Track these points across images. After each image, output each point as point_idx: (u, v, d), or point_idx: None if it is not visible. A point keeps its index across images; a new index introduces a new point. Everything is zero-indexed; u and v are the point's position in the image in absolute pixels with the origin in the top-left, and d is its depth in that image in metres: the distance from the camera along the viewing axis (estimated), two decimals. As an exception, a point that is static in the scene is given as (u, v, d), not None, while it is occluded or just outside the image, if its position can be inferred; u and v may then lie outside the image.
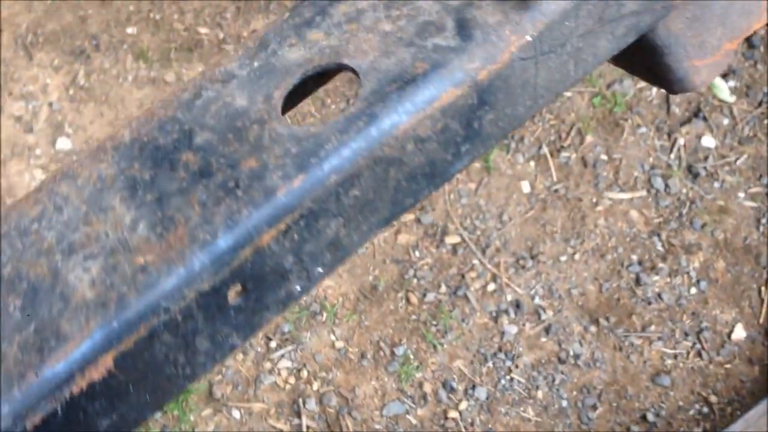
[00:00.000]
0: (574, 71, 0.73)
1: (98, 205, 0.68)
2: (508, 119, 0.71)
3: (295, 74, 0.70)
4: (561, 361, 2.14)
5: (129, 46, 2.44)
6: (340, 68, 0.71)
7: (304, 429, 2.05)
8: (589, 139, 2.40)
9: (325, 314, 2.18)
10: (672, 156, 2.37)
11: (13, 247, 0.65)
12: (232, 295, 0.63)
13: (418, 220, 2.30)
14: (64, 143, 2.32)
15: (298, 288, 0.67)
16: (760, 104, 2.42)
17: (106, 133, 2.34)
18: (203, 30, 2.48)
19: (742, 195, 2.33)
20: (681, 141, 2.39)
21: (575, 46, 0.71)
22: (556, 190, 2.34)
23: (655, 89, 2.43)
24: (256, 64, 0.72)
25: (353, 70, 0.69)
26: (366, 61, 0.69)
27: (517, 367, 2.13)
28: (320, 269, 0.68)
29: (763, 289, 2.23)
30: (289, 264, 0.65)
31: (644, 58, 0.81)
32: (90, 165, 0.70)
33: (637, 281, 2.23)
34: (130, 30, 2.47)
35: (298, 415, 2.06)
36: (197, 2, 2.53)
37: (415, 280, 2.22)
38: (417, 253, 2.26)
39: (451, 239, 2.27)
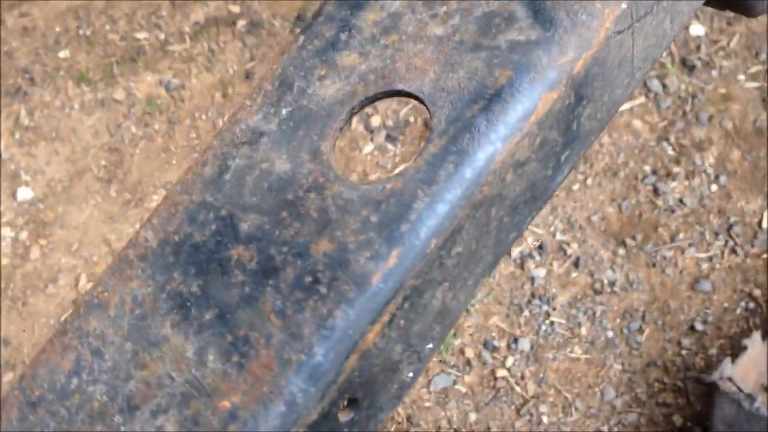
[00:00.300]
0: (671, 28, 0.63)
1: (146, 339, 0.57)
2: (607, 108, 0.61)
3: (339, 115, 0.59)
4: (597, 292, 2.15)
5: (66, 71, 2.35)
6: (396, 95, 0.60)
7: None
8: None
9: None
10: (663, 53, 2.35)
11: (56, 416, 0.56)
12: (343, 411, 0.55)
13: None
14: (25, 193, 2.24)
15: (411, 375, 0.57)
16: (739, -23, 2.40)
17: (66, 172, 2.27)
18: (141, 35, 2.39)
19: (742, 77, 2.32)
20: (667, 35, 2.37)
21: (669, 1, 0.61)
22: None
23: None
24: (284, 111, 0.61)
25: (414, 97, 0.58)
26: (427, 82, 0.57)
27: (554, 309, 2.14)
28: (430, 345, 0.58)
29: (782, 168, 2.24)
30: (398, 354, 0.56)
31: None
32: (117, 286, 0.59)
33: (656, 192, 2.23)
34: (62, 54, 2.37)
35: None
36: (125, 6, 2.43)
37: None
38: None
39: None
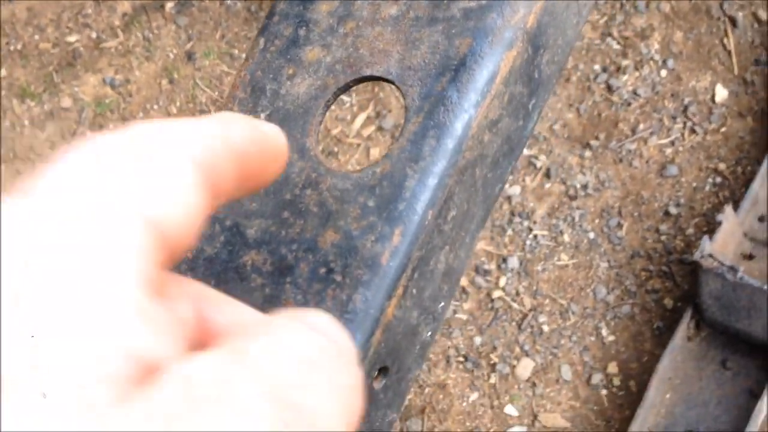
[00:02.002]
0: None
1: None
2: (562, 50, 0.64)
3: (316, 110, 0.61)
4: (572, 198, 2.22)
5: (7, 90, 2.32)
6: (365, 80, 0.61)
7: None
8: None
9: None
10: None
11: None
12: (375, 380, 0.58)
13: (380, 128, 2.30)
14: (-2, 219, 2.24)
15: (429, 334, 0.64)
16: None
17: (34, 189, 2.27)
18: (72, 38, 2.35)
19: (670, -42, 2.34)
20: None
21: None
22: (495, 37, 2.34)
23: None
24: (263, 116, 0.63)
25: (384, 79, 0.59)
26: (393, 63, 0.59)
27: (535, 223, 2.21)
28: (442, 304, 0.64)
29: (725, 40, 2.29)
30: (415, 319, 0.60)
31: None
32: None
33: (609, 88, 2.28)
34: (-1, 73, 2.33)
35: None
36: (50, 12, 2.38)
37: (404, 188, 2.25)
38: (393, 161, 2.27)
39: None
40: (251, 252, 0.58)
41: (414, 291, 0.58)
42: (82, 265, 0.25)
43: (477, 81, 0.57)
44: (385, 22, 0.60)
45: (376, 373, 0.59)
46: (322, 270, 0.56)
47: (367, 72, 0.59)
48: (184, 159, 0.29)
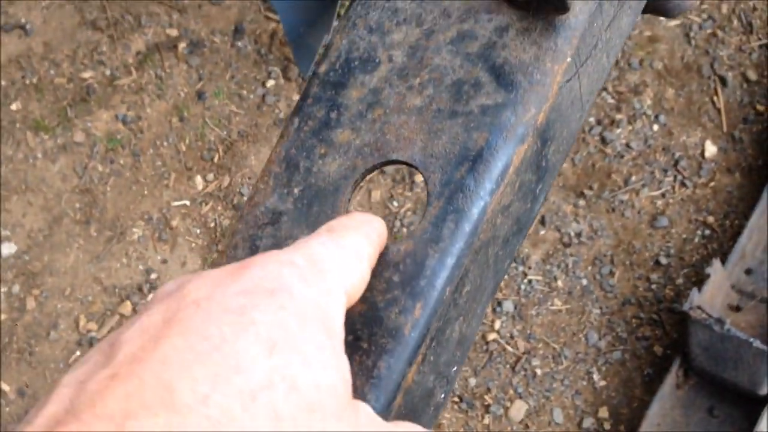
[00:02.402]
0: (608, 61, 0.72)
1: None
2: (567, 141, 0.71)
3: (346, 188, 0.67)
4: (566, 245, 2.30)
5: (21, 122, 2.38)
6: (392, 164, 0.68)
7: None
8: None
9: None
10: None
11: None
12: None
13: (382, 172, 2.37)
14: (8, 248, 2.29)
15: (443, 396, 0.70)
16: None
17: (43, 221, 2.32)
18: (87, 74, 2.42)
19: (663, 18, 2.44)
20: (591, -10, 2.48)
21: (605, 39, 0.70)
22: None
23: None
24: (296, 191, 0.68)
25: (408, 164, 0.65)
26: (417, 150, 0.65)
27: (530, 268, 2.28)
28: (455, 368, 0.70)
29: (715, 98, 2.39)
30: (431, 383, 0.66)
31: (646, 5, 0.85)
32: None
33: (603, 141, 2.37)
34: (14, 106, 2.39)
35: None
36: (66, 48, 2.45)
37: (404, 230, 2.32)
38: (395, 203, 2.34)
39: (420, 176, 2.36)
40: None
41: (431, 358, 0.64)
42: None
43: (492, 171, 0.63)
44: (410, 112, 0.66)
45: None
46: (350, 337, 0.61)
47: (393, 156, 0.65)
48: (371, 247, 0.54)
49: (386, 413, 0.63)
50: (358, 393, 0.63)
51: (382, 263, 0.63)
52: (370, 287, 0.63)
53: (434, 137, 0.65)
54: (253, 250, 0.68)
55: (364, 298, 0.62)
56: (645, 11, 0.88)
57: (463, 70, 0.66)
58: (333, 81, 0.71)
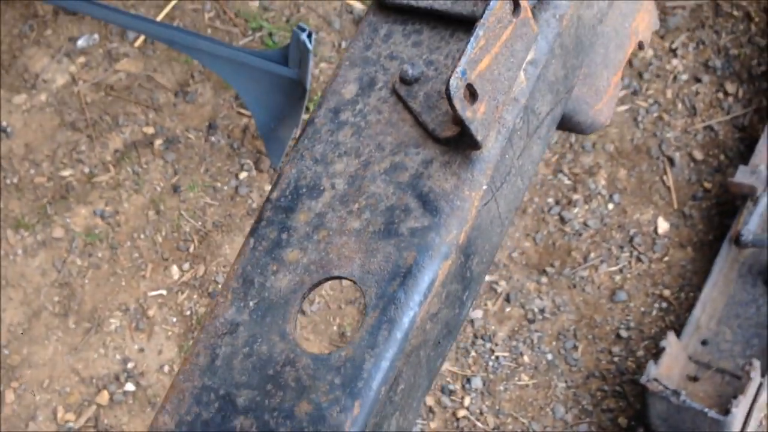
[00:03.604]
0: (523, 184, 0.83)
1: None
2: (489, 253, 0.81)
3: (295, 301, 0.76)
4: (531, 321, 2.40)
5: (2, 221, 2.47)
6: (334, 279, 0.77)
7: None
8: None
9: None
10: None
11: None
12: None
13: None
14: (-12, 344, 2.35)
15: None
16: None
17: (23, 314, 2.38)
18: (66, 173, 2.53)
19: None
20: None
21: (518, 166, 0.80)
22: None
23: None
24: (252, 304, 0.77)
25: (349, 279, 0.75)
26: (356, 267, 0.75)
27: (497, 345, 2.37)
28: None
29: (664, 177, 2.54)
30: None
31: (560, 124, 0.97)
32: None
33: (562, 220, 2.49)
34: (-5, 205, 2.49)
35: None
36: (46, 149, 2.56)
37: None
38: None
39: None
40: (240, 417, 0.73)
41: None
42: None
43: (420, 285, 0.74)
44: (350, 233, 0.77)
45: None
46: None
47: (336, 273, 0.76)
48: None
49: None
50: None
51: (325, 368, 0.73)
52: (315, 390, 0.72)
53: (370, 256, 0.76)
54: (213, 357, 0.78)
55: (309, 399, 0.72)
56: (562, 129, 1.00)
57: (395, 197, 0.77)
58: (284, 206, 0.82)
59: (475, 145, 0.74)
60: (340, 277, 0.76)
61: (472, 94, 0.70)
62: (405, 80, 0.78)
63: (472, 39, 0.68)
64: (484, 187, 0.77)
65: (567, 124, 0.95)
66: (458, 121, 0.72)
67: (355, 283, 0.74)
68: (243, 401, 0.74)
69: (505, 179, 0.80)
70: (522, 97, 0.77)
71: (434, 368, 0.79)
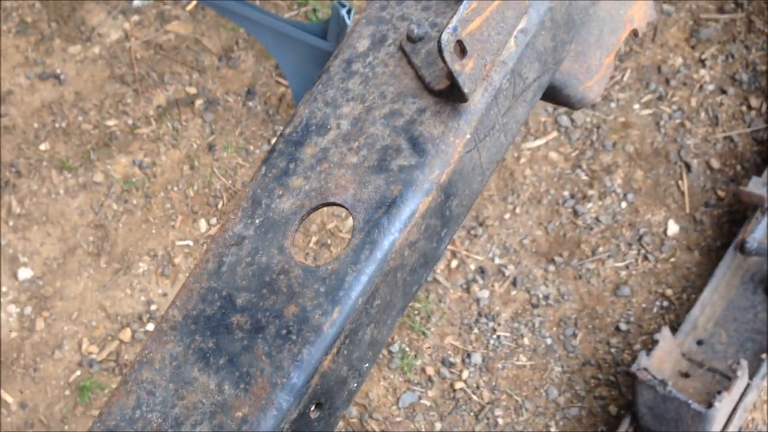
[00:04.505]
0: (506, 140, 0.93)
1: (183, 380, 0.84)
2: (468, 197, 0.91)
3: (294, 221, 0.87)
4: (534, 306, 2.49)
5: (48, 161, 2.63)
6: (329, 205, 0.88)
7: (339, 446, 2.35)
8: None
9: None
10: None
11: None
12: (312, 411, 0.84)
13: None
14: (25, 273, 2.51)
15: (355, 385, 0.90)
16: (627, 21, 2.77)
17: (59, 250, 2.54)
18: (111, 122, 2.68)
19: (637, 107, 2.69)
20: (571, 77, 2.73)
21: (501, 123, 0.90)
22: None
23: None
24: (258, 221, 0.88)
25: (342, 205, 0.86)
26: (349, 196, 0.86)
27: (499, 324, 2.47)
28: (367, 365, 0.90)
29: (680, 182, 2.61)
30: (345, 372, 0.85)
31: (550, 95, 1.07)
32: (158, 348, 0.87)
33: (575, 213, 2.58)
34: (43, 147, 2.64)
35: (329, 436, 2.37)
36: (95, 98, 2.71)
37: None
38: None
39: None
40: (237, 315, 0.85)
41: (345, 352, 0.85)
42: None
43: (402, 214, 0.84)
44: (348, 167, 0.88)
45: (313, 406, 0.85)
46: (284, 331, 0.83)
47: (332, 200, 0.87)
48: None
49: (305, 389, 0.84)
50: (285, 372, 0.83)
51: (313, 278, 0.84)
52: (302, 296, 0.84)
53: (363, 187, 0.87)
54: (220, 264, 0.90)
55: (297, 303, 0.83)
56: (551, 101, 1.10)
57: (390, 138, 0.89)
58: (294, 140, 0.94)
59: (462, 97, 0.84)
60: (335, 204, 0.87)
61: (462, 50, 0.80)
62: (411, 38, 0.89)
63: (465, 0, 0.78)
64: (468, 136, 0.87)
65: (557, 97, 1.05)
66: (449, 75, 0.82)
67: (347, 209, 0.85)
68: (241, 302, 0.85)
69: (488, 133, 0.90)
70: (510, 60, 0.87)
71: (409, 292, 0.90)
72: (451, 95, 0.87)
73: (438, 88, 0.87)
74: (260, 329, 0.84)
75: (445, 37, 0.78)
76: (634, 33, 1.10)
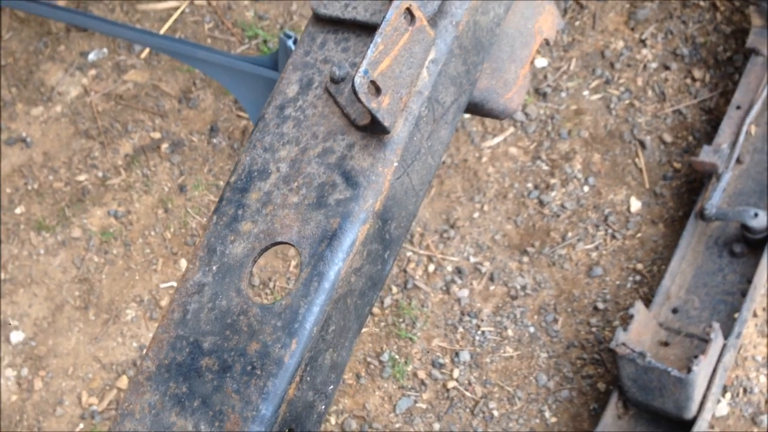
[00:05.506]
0: (434, 161, 1.00)
1: (163, 426, 0.91)
2: (406, 219, 0.98)
3: (248, 264, 0.95)
4: (513, 298, 2.56)
5: (25, 224, 2.68)
6: (278, 245, 0.96)
7: (343, 460, 2.41)
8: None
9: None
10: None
11: None
12: None
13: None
14: (17, 336, 2.56)
15: (323, 407, 0.97)
16: (565, 12, 2.86)
17: (47, 309, 2.59)
18: (82, 177, 2.74)
19: (586, 93, 2.77)
20: (519, 73, 2.81)
21: (427, 146, 0.97)
22: (443, 162, 2.73)
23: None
24: (215, 268, 0.96)
25: (290, 244, 0.95)
26: (294, 233, 0.94)
27: (482, 320, 2.54)
28: (332, 386, 0.98)
29: (636, 160, 2.70)
30: (311, 396, 0.92)
31: (474, 110, 1.14)
32: (137, 400, 0.94)
33: (541, 203, 2.66)
34: (18, 210, 2.70)
35: (333, 451, 2.43)
36: (63, 156, 2.77)
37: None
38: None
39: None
40: (205, 358, 0.93)
41: (308, 378, 0.92)
42: None
43: (343, 245, 0.92)
44: (290, 207, 0.95)
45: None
46: (249, 367, 0.90)
47: (279, 239, 0.95)
48: None
49: (274, 418, 0.91)
50: (254, 406, 0.90)
51: (270, 314, 0.91)
52: (262, 332, 0.91)
53: (305, 224, 0.95)
54: (185, 313, 0.98)
55: (258, 340, 0.91)
56: (479, 114, 1.17)
57: (325, 175, 0.97)
58: (240, 187, 1.01)
59: (384, 130, 0.92)
60: (282, 243, 0.96)
61: (377, 89, 0.88)
62: (334, 80, 0.96)
63: (372, 45, 0.86)
64: (395, 164, 0.95)
65: (481, 111, 1.13)
66: (369, 112, 0.90)
67: (294, 246, 0.94)
68: (208, 345, 0.92)
69: (415, 157, 0.98)
70: (425, 89, 0.95)
71: (362, 314, 0.98)
72: (375, 129, 0.94)
73: (362, 123, 0.94)
74: (227, 368, 0.91)
75: (357, 80, 0.85)
76: (546, 42, 1.17)
